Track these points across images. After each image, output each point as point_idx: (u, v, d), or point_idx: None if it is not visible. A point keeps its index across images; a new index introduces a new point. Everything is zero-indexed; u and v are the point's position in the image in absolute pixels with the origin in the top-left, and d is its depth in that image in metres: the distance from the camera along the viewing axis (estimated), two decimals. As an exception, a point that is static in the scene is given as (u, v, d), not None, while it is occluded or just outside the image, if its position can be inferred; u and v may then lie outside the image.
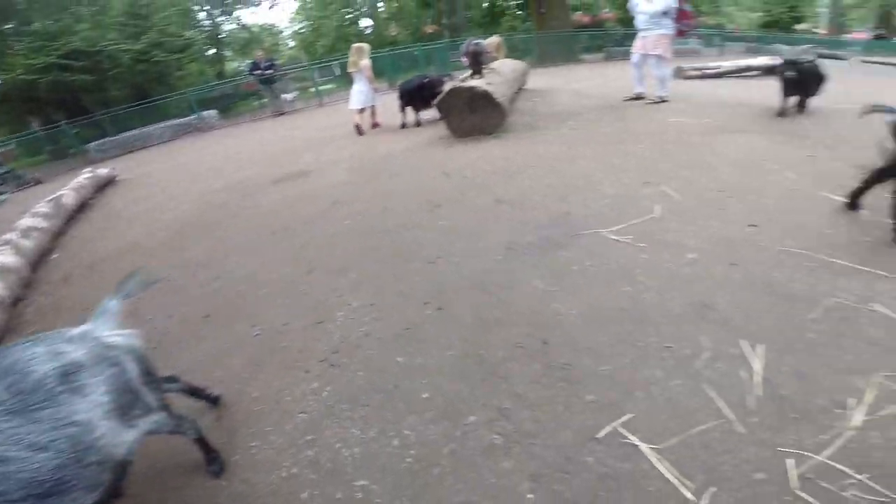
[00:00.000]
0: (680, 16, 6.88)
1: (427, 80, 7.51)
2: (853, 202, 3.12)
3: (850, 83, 7.75)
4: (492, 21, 27.12)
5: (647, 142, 5.07)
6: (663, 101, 7.08)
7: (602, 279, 2.65)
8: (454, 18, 24.96)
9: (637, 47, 7.03)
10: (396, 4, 28.97)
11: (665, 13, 6.67)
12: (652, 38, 6.82)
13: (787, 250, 2.77)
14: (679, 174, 4.07)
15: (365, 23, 30.02)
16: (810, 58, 5.90)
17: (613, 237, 3.08)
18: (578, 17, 23.75)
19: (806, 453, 1.59)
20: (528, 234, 3.33)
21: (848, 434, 1.65)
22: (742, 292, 2.41)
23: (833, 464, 1.55)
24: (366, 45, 8.06)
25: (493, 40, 8.34)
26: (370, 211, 4.24)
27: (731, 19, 34.19)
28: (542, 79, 10.87)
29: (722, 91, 7.95)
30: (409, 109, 7.77)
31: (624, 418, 1.81)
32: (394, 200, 4.36)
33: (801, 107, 5.86)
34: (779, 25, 30.76)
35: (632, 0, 6.95)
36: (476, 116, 6.18)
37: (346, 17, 28.69)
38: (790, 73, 5.56)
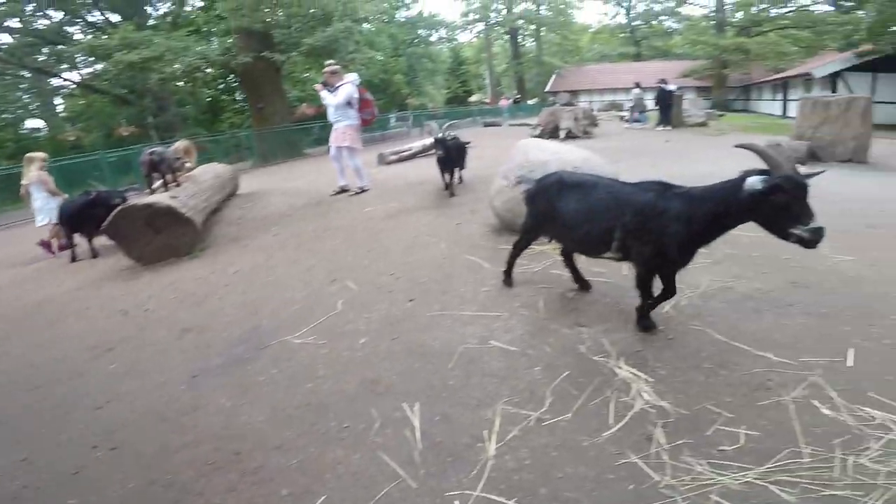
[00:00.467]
0: (363, 105, 7.19)
1: (93, 198, 6.14)
2: (508, 271, 3.59)
3: (501, 147, 9.55)
4: (213, 118, 25.56)
5: (341, 237, 5.44)
6: (364, 191, 7.47)
7: (286, 382, 2.77)
8: (164, 116, 22.54)
9: (331, 140, 7.24)
10: (83, 102, 24.73)
11: (348, 104, 6.95)
12: (340, 129, 7.08)
13: (434, 314, 3.33)
14: (361, 264, 4.48)
15: (34, 124, 25.24)
16: (453, 133, 6.97)
17: (298, 341, 3.22)
18: (303, 109, 24.42)
19: (466, 492, 1.85)
20: (214, 357, 3.25)
21: (490, 464, 1.97)
22: (401, 361, 2.79)
23: (489, 496, 1.82)
24: (39, 154, 7.10)
25: (180, 145, 7.74)
26: (14, 369, 3.53)
27: (430, 98, 40.77)
28: (259, 180, 10.82)
29: (413, 172, 8.90)
30: (77, 236, 6.39)
31: (318, 502, 1.90)
32: (48, 353, 3.68)
33: (455, 178, 6.87)
34: (457, 99, 37.69)
35: (320, 94, 7.21)
36: (163, 237, 5.48)
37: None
38: (440, 152, 6.36)
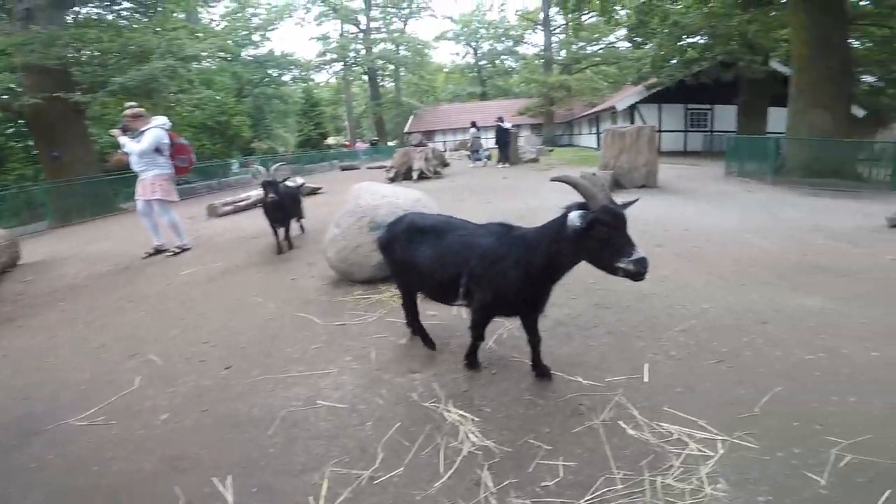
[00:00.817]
0: (176, 151, 6.41)
1: None
2: (414, 328, 3.32)
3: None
4: (-1, 169, 21.17)
5: (147, 307, 4.76)
6: (184, 250, 6.59)
7: (66, 467, 2.41)
8: None
9: (137, 193, 6.30)
10: None
11: (157, 150, 6.14)
12: (148, 180, 6.20)
13: (253, 380, 3.04)
14: (170, 335, 3.96)
15: None
16: (285, 176, 6.44)
17: (80, 423, 2.78)
18: (119, 156, 21.63)
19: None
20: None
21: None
22: (211, 433, 2.53)
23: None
24: None
25: None
26: None
27: (283, 142, 39.02)
28: (55, 243, 8.87)
29: (248, 224, 8.11)
30: None
31: None
32: None
33: (289, 231, 6.18)
34: (311, 142, 36.05)
35: (119, 140, 6.26)
36: None
37: None
38: (269, 197, 5.56)
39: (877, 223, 6.51)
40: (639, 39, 18.47)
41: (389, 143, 36.40)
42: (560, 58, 37.06)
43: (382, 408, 2.61)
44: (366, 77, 41.71)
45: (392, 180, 13.60)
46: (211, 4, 28.70)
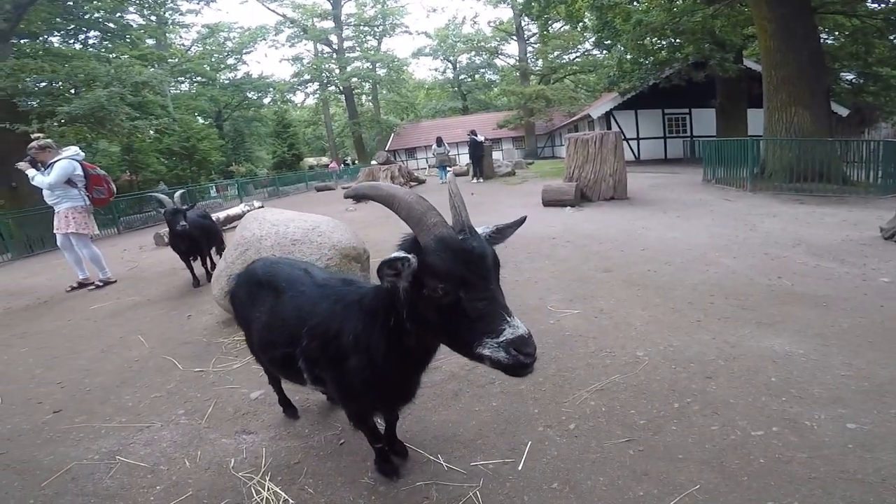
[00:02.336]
0: (92, 182, 6.13)
1: None
2: (280, 399, 2.61)
3: (328, 214, 8.83)
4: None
5: (32, 343, 4.32)
6: (108, 283, 6.34)
7: None
8: None
9: (55, 227, 6.04)
10: None
11: (69, 182, 5.87)
12: (62, 213, 5.94)
13: (69, 427, 2.73)
14: (32, 373, 3.65)
15: None
16: (191, 204, 5.97)
17: None
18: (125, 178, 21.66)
19: None
20: None
21: None
22: None
23: None
24: None
25: None
26: None
27: (263, 164, 38.49)
28: (5, 276, 8.56)
29: None
30: None
31: None
32: None
33: (204, 262, 5.85)
34: (285, 164, 34.90)
35: (27, 172, 5.92)
36: None
37: None
38: (176, 227, 5.20)
39: (867, 234, 5.61)
40: (607, 42, 17.90)
41: (373, 162, 35.84)
42: (537, 68, 36.56)
43: (184, 472, 2.19)
44: (343, 97, 41.29)
45: (357, 201, 13.07)
46: (181, 29, 28.51)
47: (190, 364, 3.41)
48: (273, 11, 38.54)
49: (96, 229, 6.44)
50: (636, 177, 12.23)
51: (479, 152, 16.88)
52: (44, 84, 12.44)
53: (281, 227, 3.84)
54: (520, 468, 2.01)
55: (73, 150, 6.11)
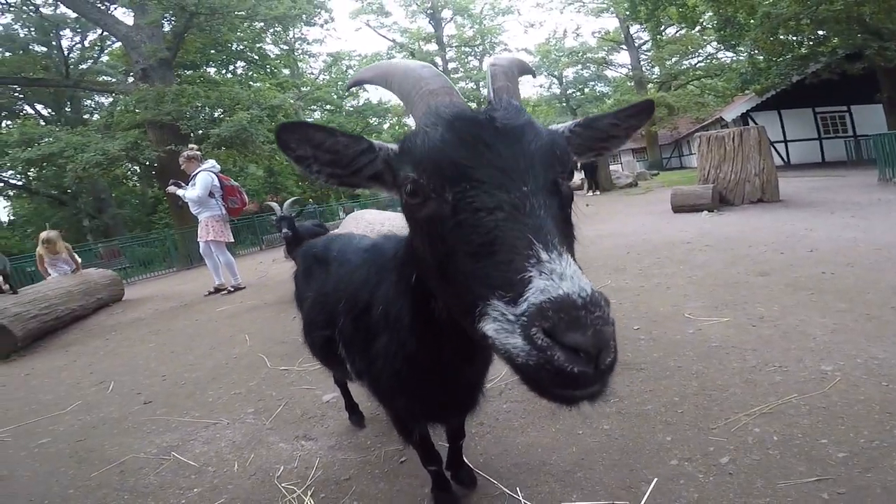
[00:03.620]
0: (227, 193, 6.56)
1: None
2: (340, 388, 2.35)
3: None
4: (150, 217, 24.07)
5: (161, 339, 4.79)
6: (238, 289, 6.74)
7: None
8: (101, 218, 20.90)
9: (198, 235, 6.57)
10: (31, 205, 22.68)
11: (209, 194, 6.33)
12: (203, 222, 6.42)
13: (149, 418, 2.77)
14: (148, 367, 3.88)
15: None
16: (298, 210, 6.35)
17: None
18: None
19: None
20: None
21: None
22: (53, 463, 2.37)
23: None
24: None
25: (42, 235, 7.19)
26: None
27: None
28: (158, 285, 9.98)
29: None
30: None
31: None
32: None
33: None
34: None
35: (177, 192, 6.57)
36: None
37: None
38: (285, 232, 5.35)
39: None
40: (732, 42, 15.81)
41: None
42: (654, 76, 34.20)
43: (228, 476, 2.02)
44: None
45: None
46: (309, 58, 31.45)
47: (278, 362, 3.35)
48: (384, 37, 41.00)
49: (231, 237, 6.91)
50: (788, 181, 10.47)
51: (592, 164, 15.92)
52: (199, 107, 14.29)
53: (377, 225, 4.10)
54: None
55: (210, 162, 6.71)
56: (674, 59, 32.24)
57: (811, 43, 13.87)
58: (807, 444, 1.64)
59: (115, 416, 2.86)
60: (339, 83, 35.94)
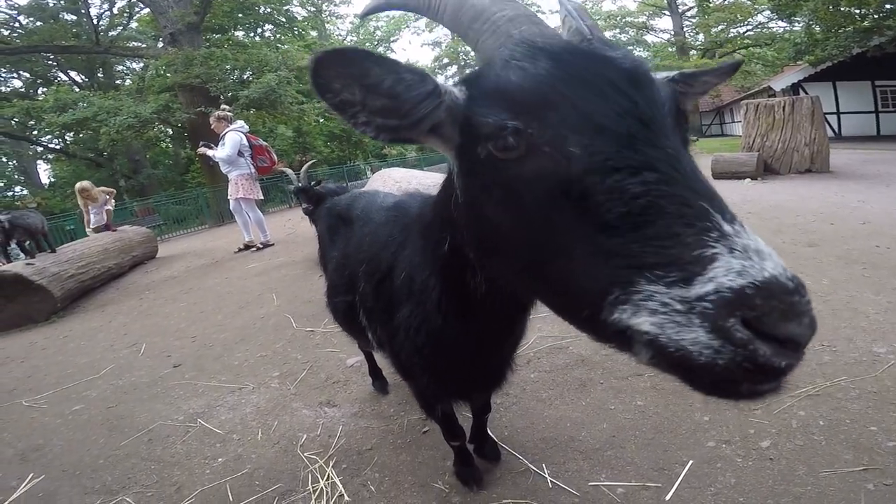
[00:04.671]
0: (256, 152, 6.57)
1: None
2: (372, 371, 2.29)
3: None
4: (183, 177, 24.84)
5: (192, 299, 4.84)
6: (267, 246, 6.84)
7: None
8: (136, 178, 21.43)
9: (229, 192, 6.64)
10: (70, 167, 23.34)
11: (238, 153, 6.35)
12: (232, 180, 6.48)
13: (178, 382, 2.76)
14: (178, 327, 3.94)
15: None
16: (333, 184, 5.77)
17: (26, 403, 2.84)
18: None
19: None
20: None
21: None
22: (83, 431, 2.37)
23: None
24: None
25: (77, 186, 7.42)
26: None
27: (410, 147, 40.72)
28: (190, 242, 10.25)
29: None
30: None
31: None
32: None
33: None
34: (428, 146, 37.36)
35: (207, 153, 6.64)
36: (16, 304, 5.21)
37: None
38: (304, 206, 4.78)
39: None
40: (787, 12, 14.67)
41: None
42: (697, 42, 32.55)
43: (252, 444, 2.00)
44: None
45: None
46: (336, 20, 31.04)
47: (304, 323, 3.36)
48: (413, -3, 40.40)
49: (260, 195, 6.92)
50: (839, 153, 9.86)
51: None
52: (228, 69, 14.28)
53: (403, 183, 3.92)
54: (667, 498, 1.37)
55: (239, 123, 6.70)
56: (720, 27, 30.52)
57: (877, 16, 12.72)
58: (854, 430, 1.53)
59: (145, 380, 2.91)
60: (367, 44, 35.45)
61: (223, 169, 6.59)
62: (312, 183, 5.00)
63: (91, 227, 7.53)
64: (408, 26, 39.11)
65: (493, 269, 0.74)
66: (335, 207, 1.72)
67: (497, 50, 0.63)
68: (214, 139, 6.67)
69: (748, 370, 0.43)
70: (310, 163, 5.71)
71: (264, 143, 6.94)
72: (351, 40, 35.88)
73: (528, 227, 0.58)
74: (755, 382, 0.45)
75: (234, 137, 6.34)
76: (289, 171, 5.68)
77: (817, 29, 13.73)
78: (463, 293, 0.85)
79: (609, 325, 0.50)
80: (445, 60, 39.51)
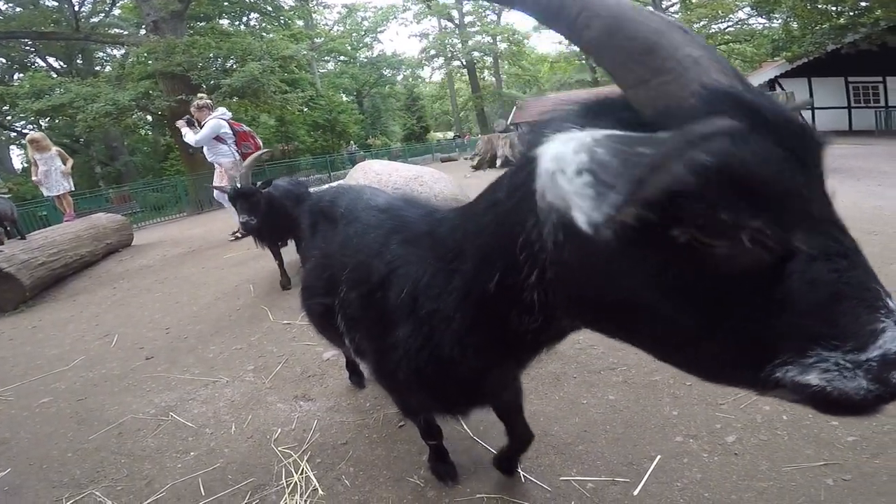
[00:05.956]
0: (240, 138, 6.52)
1: None
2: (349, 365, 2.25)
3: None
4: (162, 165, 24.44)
5: (167, 289, 4.73)
6: (248, 235, 6.89)
7: None
8: (113, 165, 21.13)
9: (214, 181, 6.61)
10: None
11: (218, 139, 6.29)
12: (217, 169, 6.49)
13: (147, 375, 2.73)
14: (152, 318, 3.88)
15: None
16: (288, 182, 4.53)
17: None
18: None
19: None
20: None
21: None
22: (51, 424, 2.33)
23: None
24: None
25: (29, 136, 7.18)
26: None
27: (396, 137, 40.57)
28: (167, 230, 10.00)
29: None
30: None
31: None
32: None
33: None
34: (414, 136, 36.43)
35: (182, 130, 6.52)
36: None
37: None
38: (245, 220, 3.56)
39: None
40: (766, 9, 15.01)
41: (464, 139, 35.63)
42: None
43: (225, 438, 1.98)
44: (465, 71, 41.29)
45: (476, 168, 12.81)
46: (324, 10, 30.71)
47: (281, 315, 3.32)
48: (399, -14, 39.69)
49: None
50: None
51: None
52: (210, 58, 14.10)
53: (384, 175, 3.87)
54: (636, 493, 1.40)
55: (220, 110, 6.53)
56: (702, 23, 30.88)
57: (852, 14, 13.06)
58: (816, 425, 1.57)
59: (116, 372, 2.86)
60: (354, 34, 34.97)
61: (208, 157, 6.46)
62: (259, 185, 3.63)
63: (36, 178, 7.18)
64: (395, 17, 38.63)
65: (592, 323, 0.69)
66: (318, 202, 1.62)
67: (686, 104, 0.52)
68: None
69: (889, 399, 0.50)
70: (256, 155, 4.47)
71: (248, 129, 6.75)
72: (338, 30, 35.40)
73: (691, 306, 0.54)
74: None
75: (212, 125, 6.17)
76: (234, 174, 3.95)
77: (795, 25, 14.02)
78: (499, 327, 0.80)
79: (766, 381, 0.53)
80: (433, 52, 39.14)
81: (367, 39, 37.12)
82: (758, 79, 18.40)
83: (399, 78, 39.77)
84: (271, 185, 3.71)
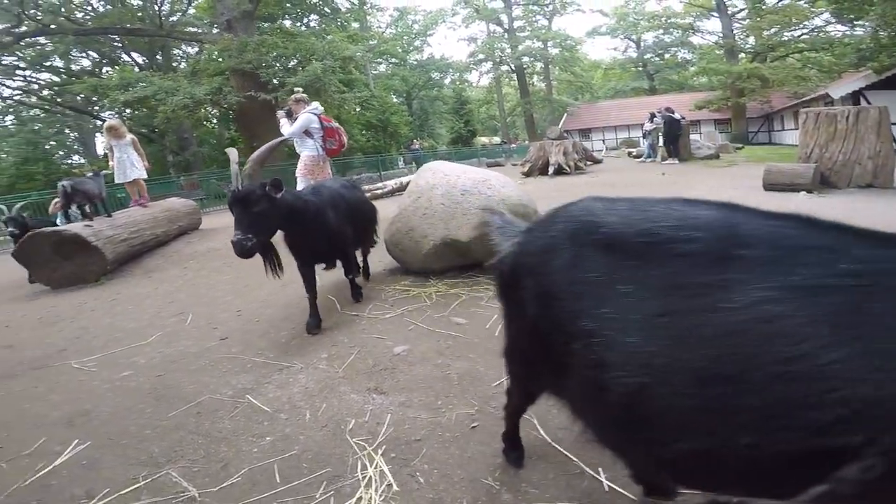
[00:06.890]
0: (326, 134, 6.68)
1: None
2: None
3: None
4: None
5: (235, 272, 4.92)
6: None
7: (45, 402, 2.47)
8: (183, 155, 22.35)
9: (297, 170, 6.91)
10: None
11: (307, 133, 6.49)
12: (300, 159, 6.66)
13: (224, 356, 2.82)
14: (224, 299, 4.05)
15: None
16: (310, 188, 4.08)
17: (76, 366, 2.92)
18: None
19: None
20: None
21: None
22: (130, 398, 2.40)
23: None
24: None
25: (106, 124, 7.44)
26: None
27: (442, 140, 40.83)
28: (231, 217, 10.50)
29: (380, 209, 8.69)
30: None
31: None
32: None
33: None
34: (461, 140, 36.49)
35: (280, 122, 6.79)
36: (71, 263, 5.54)
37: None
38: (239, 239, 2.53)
39: None
40: (850, 16, 13.94)
41: (512, 146, 35.14)
42: (747, 45, 30.99)
43: (300, 425, 2.00)
44: (514, 75, 40.28)
45: (527, 175, 12.63)
46: (377, 12, 31.55)
47: (349, 307, 3.39)
48: (448, -9, 39.90)
49: (328, 174, 6.91)
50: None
51: (675, 131, 14.71)
52: (275, 55, 14.87)
53: (453, 177, 3.82)
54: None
55: (314, 104, 6.73)
56: (773, 30, 28.97)
57: None
58: None
59: (192, 350, 2.94)
60: (405, 37, 35.57)
61: (297, 149, 6.69)
62: (266, 185, 2.63)
63: (113, 164, 7.13)
64: (444, 21, 38.95)
65: None
66: (586, 226, 1.00)
67: None
68: (265, 123, 6.84)
69: None
70: (266, 147, 3.07)
71: (336, 125, 6.91)
72: (390, 32, 36.09)
73: None
74: None
75: (305, 117, 6.37)
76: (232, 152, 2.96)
77: (884, 34, 13.02)
78: None
79: None
80: (481, 56, 39.11)
81: (417, 42, 37.69)
82: (839, 90, 17.15)
83: (447, 81, 40.05)
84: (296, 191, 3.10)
